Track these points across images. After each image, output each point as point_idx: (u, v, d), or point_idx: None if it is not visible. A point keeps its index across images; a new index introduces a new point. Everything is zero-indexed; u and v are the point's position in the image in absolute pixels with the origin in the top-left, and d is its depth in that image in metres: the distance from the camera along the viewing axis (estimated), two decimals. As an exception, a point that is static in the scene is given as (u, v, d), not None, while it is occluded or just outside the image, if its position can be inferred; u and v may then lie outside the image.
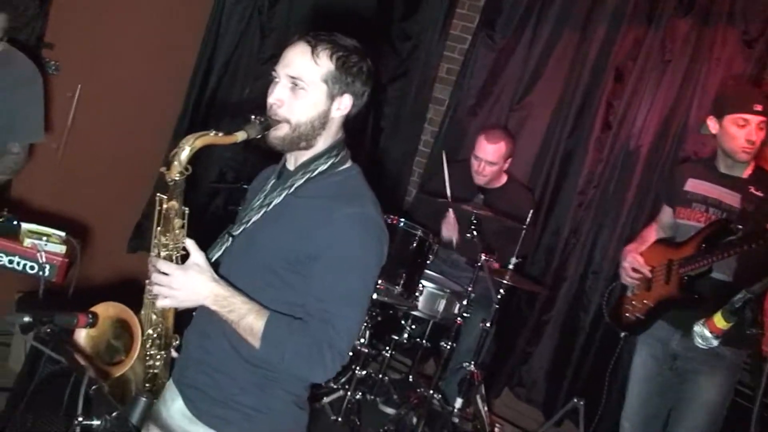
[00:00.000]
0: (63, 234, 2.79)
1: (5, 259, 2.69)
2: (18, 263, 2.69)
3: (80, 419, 1.52)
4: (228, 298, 1.95)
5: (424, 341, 4.69)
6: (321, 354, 1.90)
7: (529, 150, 5.48)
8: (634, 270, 3.70)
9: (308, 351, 1.90)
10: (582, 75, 5.35)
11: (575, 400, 4.46)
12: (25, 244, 2.68)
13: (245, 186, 4.41)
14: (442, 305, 4.34)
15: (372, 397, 4.52)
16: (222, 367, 2.05)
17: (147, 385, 2.19)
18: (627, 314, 3.78)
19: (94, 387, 1.66)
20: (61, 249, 2.73)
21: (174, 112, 4.88)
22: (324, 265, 1.94)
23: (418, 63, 6.01)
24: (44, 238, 2.73)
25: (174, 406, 2.14)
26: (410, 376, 4.95)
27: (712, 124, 3.55)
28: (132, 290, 4.51)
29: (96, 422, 1.55)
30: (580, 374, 5.22)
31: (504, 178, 4.79)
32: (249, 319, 1.92)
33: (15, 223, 2.73)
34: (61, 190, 4.37)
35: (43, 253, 2.68)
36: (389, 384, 4.68)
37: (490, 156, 4.56)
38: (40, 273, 2.69)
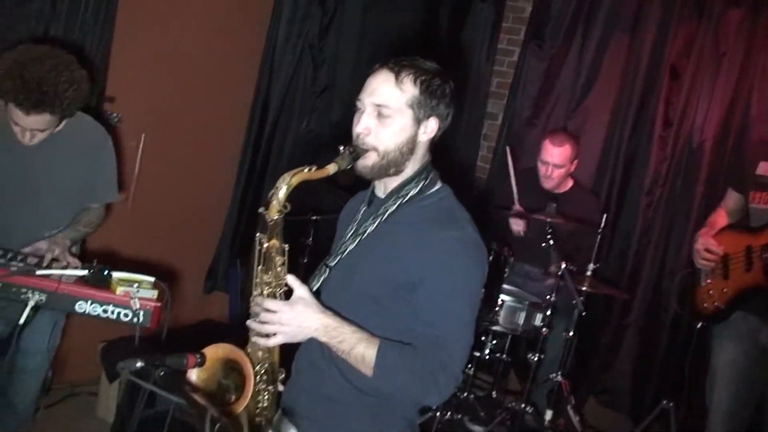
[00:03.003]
0: (152, 279, 2.79)
1: (99, 309, 2.68)
2: (113, 312, 2.67)
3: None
4: (337, 328, 1.95)
5: (504, 356, 4.66)
6: (435, 378, 1.89)
7: (591, 156, 5.43)
8: (708, 251, 3.59)
9: (422, 376, 1.89)
10: (637, 76, 5.32)
11: (664, 403, 4.38)
12: (117, 292, 2.69)
13: (314, 218, 4.46)
14: (522, 318, 4.31)
15: (459, 416, 4.48)
16: (335, 396, 2.06)
17: (257, 419, 2.21)
18: (705, 304, 3.67)
19: (218, 426, 1.67)
20: (153, 294, 2.72)
21: (236, 151, 4.94)
22: (429, 291, 1.93)
23: (469, 80, 6.02)
24: (135, 285, 2.72)
25: (290, 438, 2.16)
26: (494, 392, 4.90)
27: None
28: (212, 330, 4.58)
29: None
30: (665, 376, 5.13)
31: (570, 183, 4.79)
32: (360, 349, 1.92)
33: (106, 273, 2.75)
34: (132, 241, 4.41)
35: (136, 300, 2.68)
36: (474, 401, 4.65)
37: (556, 159, 4.56)
38: (134, 320, 2.69)
